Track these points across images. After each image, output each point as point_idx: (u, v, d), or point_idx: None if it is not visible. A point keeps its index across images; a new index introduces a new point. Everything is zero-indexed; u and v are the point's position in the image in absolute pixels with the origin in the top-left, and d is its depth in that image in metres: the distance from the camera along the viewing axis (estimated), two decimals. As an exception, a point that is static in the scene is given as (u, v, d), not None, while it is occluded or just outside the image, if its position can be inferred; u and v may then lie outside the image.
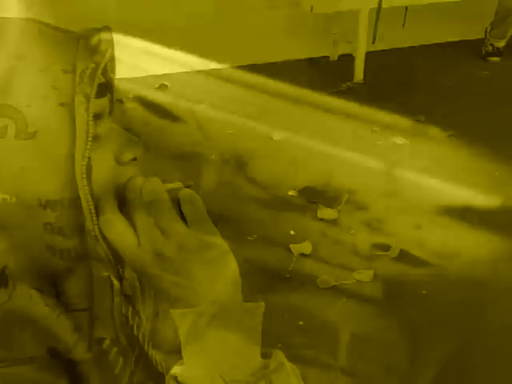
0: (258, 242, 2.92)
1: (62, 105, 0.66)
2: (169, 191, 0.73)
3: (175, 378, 0.71)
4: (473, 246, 2.95)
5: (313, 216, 3.12)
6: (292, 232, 3.01)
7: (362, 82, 4.24)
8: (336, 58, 4.50)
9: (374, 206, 3.18)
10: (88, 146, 0.67)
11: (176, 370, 0.71)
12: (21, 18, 0.67)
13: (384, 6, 4.00)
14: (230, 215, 2.89)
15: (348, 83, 4.22)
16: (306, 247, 2.90)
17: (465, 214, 3.12)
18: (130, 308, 0.76)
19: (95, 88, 0.67)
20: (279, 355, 0.73)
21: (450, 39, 4.74)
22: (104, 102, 0.72)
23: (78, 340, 0.72)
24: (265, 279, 2.70)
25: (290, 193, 3.26)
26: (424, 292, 2.72)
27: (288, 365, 0.73)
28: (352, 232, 3.01)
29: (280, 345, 1.01)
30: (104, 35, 0.70)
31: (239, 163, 3.40)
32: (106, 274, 0.74)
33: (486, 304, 2.68)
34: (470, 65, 4.56)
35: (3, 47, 0.66)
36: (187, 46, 4.22)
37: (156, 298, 0.72)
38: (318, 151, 3.49)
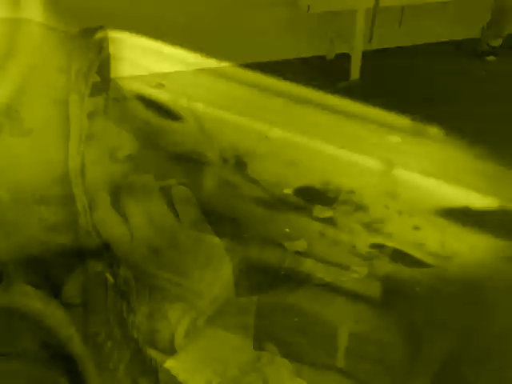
0: (254, 240, 2.93)
1: (56, 103, 0.68)
2: (162, 188, 0.74)
3: (168, 371, 0.72)
4: (471, 246, 2.96)
5: (309, 215, 3.12)
6: (287, 230, 3.01)
7: (358, 80, 4.25)
8: (332, 56, 4.51)
9: (372, 206, 3.19)
10: (82, 144, 0.68)
11: (169, 364, 0.72)
12: (16, 17, 0.68)
13: (380, 5, 4.01)
14: (227, 213, 2.89)
15: (344, 82, 4.23)
16: (301, 245, 2.91)
17: (463, 215, 3.12)
18: (125, 304, 0.77)
19: (90, 86, 0.69)
20: (272, 349, 0.74)
21: (447, 39, 4.74)
22: (99, 100, 0.73)
23: (73, 334, 0.73)
24: (260, 277, 2.70)
25: (286, 191, 3.27)
26: (422, 292, 2.73)
27: (280, 358, 0.75)
28: (347, 230, 3.02)
29: (274, 341, 1.03)
30: (99, 35, 0.71)
31: (238, 162, 3.41)
32: (100, 269, 0.75)
33: (483, 304, 2.69)
34: (467, 64, 4.56)
35: (-1, 46, 0.67)
36: (187, 45, 4.23)
37: (151, 296, 0.74)
38: (315, 150, 3.50)
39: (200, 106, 3.84)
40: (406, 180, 3.35)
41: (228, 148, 3.51)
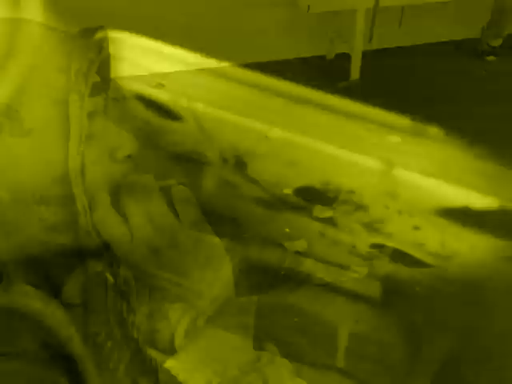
0: (254, 240, 2.93)
1: (56, 103, 0.68)
2: (162, 188, 0.74)
3: (168, 371, 0.72)
4: (471, 246, 2.96)
5: (309, 215, 3.12)
6: (287, 230, 3.01)
7: (358, 80, 4.25)
8: (332, 56, 4.52)
9: (372, 206, 3.19)
10: (82, 144, 0.68)
11: (169, 364, 0.72)
12: (16, 17, 0.68)
13: (380, 5, 4.02)
14: (227, 213, 2.89)
15: (344, 82, 4.23)
16: (301, 245, 2.91)
17: (463, 215, 3.12)
18: (125, 304, 0.77)
19: (90, 86, 0.69)
20: (272, 349, 0.74)
21: (447, 39, 4.75)
22: (99, 100, 0.73)
23: (73, 334, 0.73)
24: (260, 277, 2.70)
25: (286, 191, 3.27)
26: (422, 292, 2.73)
27: (280, 358, 0.75)
28: (347, 230, 3.02)
29: (274, 341, 1.03)
30: (99, 35, 0.71)
31: (238, 162, 3.41)
32: (100, 269, 0.75)
33: (483, 304, 2.69)
34: (467, 64, 4.57)
35: (-1, 46, 0.67)
36: (187, 45, 4.23)
37: (151, 296, 0.74)
38: (315, 150, 3.50)
39: (200, 106, 3.84)
40: (406, 180, 3.35)
41: (228, 148, 3.51)
